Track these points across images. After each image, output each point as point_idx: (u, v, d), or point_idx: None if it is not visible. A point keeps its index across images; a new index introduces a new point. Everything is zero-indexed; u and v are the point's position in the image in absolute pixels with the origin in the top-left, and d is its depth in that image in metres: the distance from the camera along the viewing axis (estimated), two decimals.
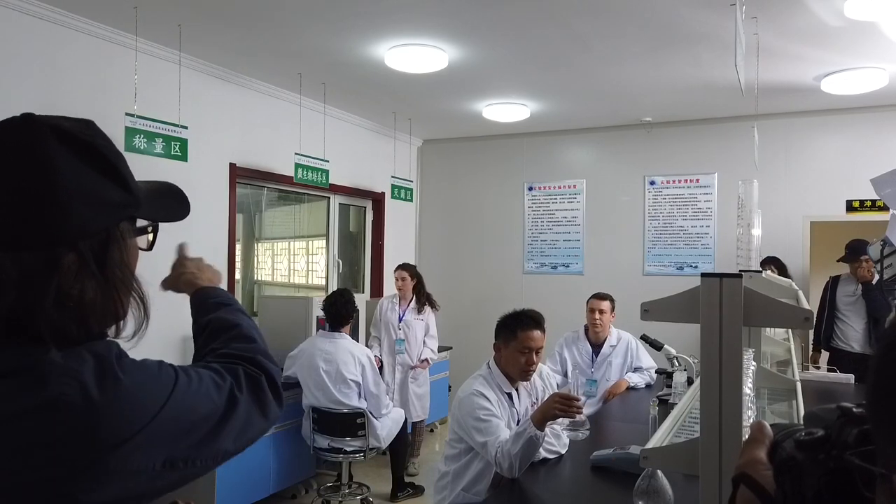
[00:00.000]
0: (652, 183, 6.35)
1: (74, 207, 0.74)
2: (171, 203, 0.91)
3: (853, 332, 5.16)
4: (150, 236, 0.87)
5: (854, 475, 0.48)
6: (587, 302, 4.38)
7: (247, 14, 3.74)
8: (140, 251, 0.86)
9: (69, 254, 0.74)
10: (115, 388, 0.72)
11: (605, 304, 4.29)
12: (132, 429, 0.71)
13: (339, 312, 4.28)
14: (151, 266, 0.90)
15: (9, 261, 0.71)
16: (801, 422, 0.62)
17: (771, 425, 0.64)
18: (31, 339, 0.72)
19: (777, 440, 0.60)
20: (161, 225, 0.89)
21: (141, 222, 0.86)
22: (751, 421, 1.37)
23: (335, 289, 6.01)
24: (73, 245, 0.74)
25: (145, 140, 3.72)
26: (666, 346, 3.62)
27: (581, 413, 2.44)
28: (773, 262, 5.22)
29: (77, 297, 0.74)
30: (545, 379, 3.12)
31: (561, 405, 2.41)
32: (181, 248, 1.13)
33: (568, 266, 6.70)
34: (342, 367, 4.12)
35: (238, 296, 5.10)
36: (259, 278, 5.76)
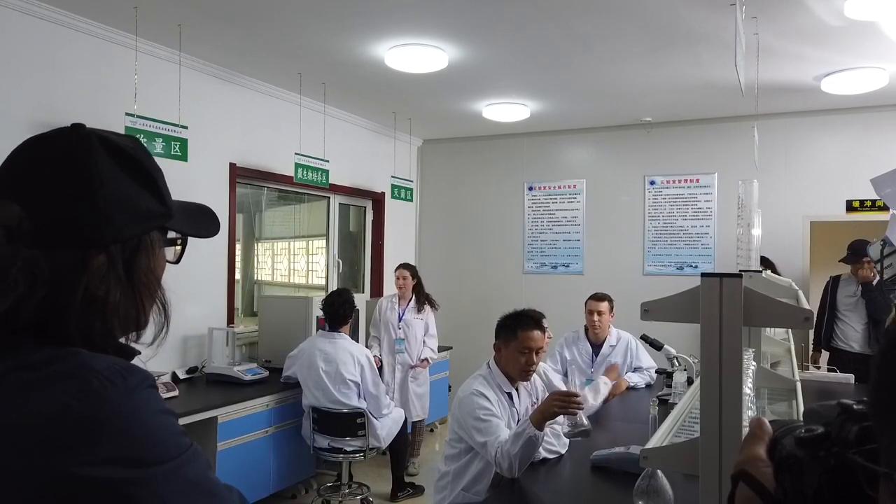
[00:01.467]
0: (652, 183, 6.35)
1: (112, 213, 0.78)
2: (202, 220, 0.94)
3: (853, 333, 5.16)
4: (179, 248, 0.90)
5: (855, 473, 0.48)
6: (585, 303, 4.38)
7: (247, 14, 3.74)
8: (168, 263, 0.89)
9: (100, 255, 0.77)
10: (138, 411, 0.71)
11: (604, 305, 4.29)
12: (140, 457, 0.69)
13: (337, 312, 4.28)
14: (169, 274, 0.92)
15: (42, 258, 0.74)
16: (801, 419, 0.61)
17: (770, 422, 0.64)
18: (57, 340, 0.74)
19: (777, 437, 0.60)
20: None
21: (171, 235, 0.90)
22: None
23: (335, 288, 6.02)
24: (104, 248, 0.78)
25: (145, 140, 3.72)
26: (666, 346, 3.62)
27: (581, 408, 2.45)
28: (762, 262, 5.22)
29: (102, 299, 0.77)
30: (545, 375, 3.13)
31: (560, 402, 2.41)
32: None
33: (568, 266, 6.70)
34: (341, 367, 4.12)
35: (238, 296, 5.10)
36: (259, 278, 5.76)
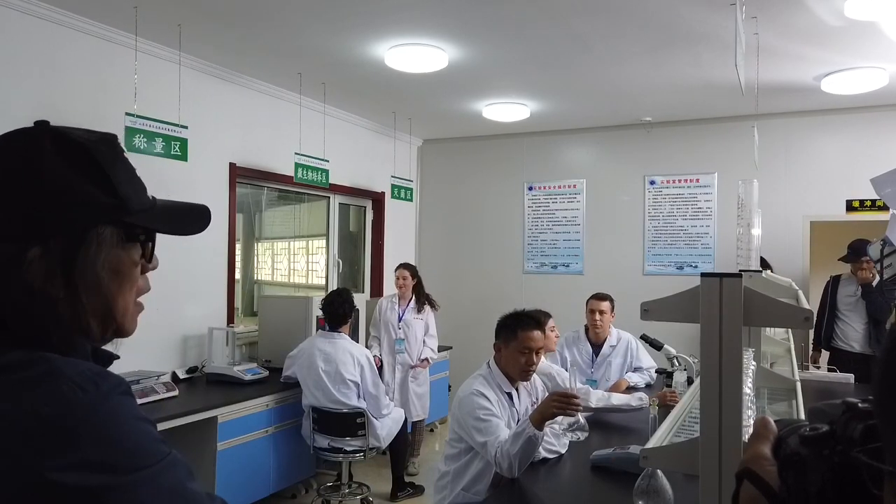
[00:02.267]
0: (652, 183, 6.35)
1: (46, 204, 0.75)
2: (184, 218, 0.90)
3: (853, 333, 5.16)
4: (148, 247, 0.84)
5: (859, 471, 0.48)
6: (587, 302, 4.38)
7: (247, 14, 3.74)
8: (147, 266, 0.85)
9: (34, 248, 0.75)
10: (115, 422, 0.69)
11: (605, 305, 4.29)
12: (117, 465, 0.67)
13: (337, 312, 4.28)
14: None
15: None
16: (806, 418, 0.61)
17: (775, 421, 0.64)
18: (21, 341, 0.72)
19: (782, 436, 0.59)
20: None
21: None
22: (751, 421, 1.37)
23: (335, 288, 6.02)
24: (40, 241, 0.75)
25: (145, 140, 3.72)
26: (666, 346, 3.62)
27: (579, 409, 2.45)
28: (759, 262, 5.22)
29: (42, 293, 0.75)
30: (557, 377, 3.12)
31: (559, 403, 2.41)
32: None
33: (568, 266, 6.70)
34: (341, 367, 4.12)
35: (238, 296, 5.10)
36: (259, 278, 5.76)
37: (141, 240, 0.83)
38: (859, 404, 0.51)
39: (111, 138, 0.84)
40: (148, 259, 0.85)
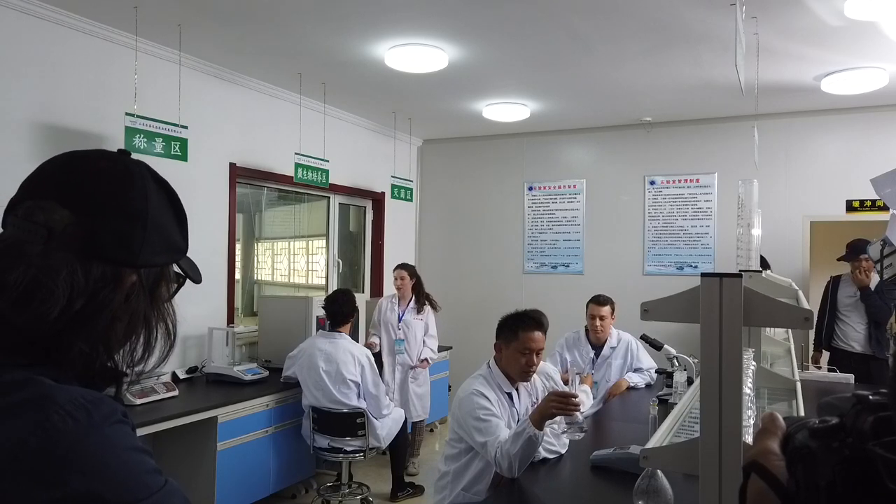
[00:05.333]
0: (652, 183, 6.35)
1: (152, 237, 0.80)
2: (195, 267, 0.96)
3: (854, 333, 5.16)
4: (176, 286, 0.91)
5: (869, 464, 0.47)
6: (587, 306, 4.37)
7: (247, 14, 3.74)
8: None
9: (132, 275, 0.79)
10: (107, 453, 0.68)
11: (605, 310, 4.28)
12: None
13: (339, 311, 4.28)
14: None
15: (80, 268, 0.74)
16: (816, 412, 0.61)
17: (784, 418, 0.63)
18: (35, 358, 0.72)
19: (790, 432, 0.59)
20: None
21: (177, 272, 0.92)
22: (751, 421, 1.37)
23: (335, 288, 6.02)
24: (137, 269, 0.80)
25: (145, 140, 3.72)
26: (666, 346, 3.62)
27: (578, 408, 2.45)
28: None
29: (124, 318, 0.79)
30: (550, 377, 3.12)
31: (558, 403, 2.41)
32: None
33: (568, 266, 6.70)
34: (342, 367, 4.12)
35: (238, 295, 5.10)
36: (259, 278, 5.76)
37: (180, 283, 0.90)
38: (870, 397, 0.51)
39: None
40: (171, 297, 0.91)
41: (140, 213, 0.79)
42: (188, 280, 0.92)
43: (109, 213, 0.77)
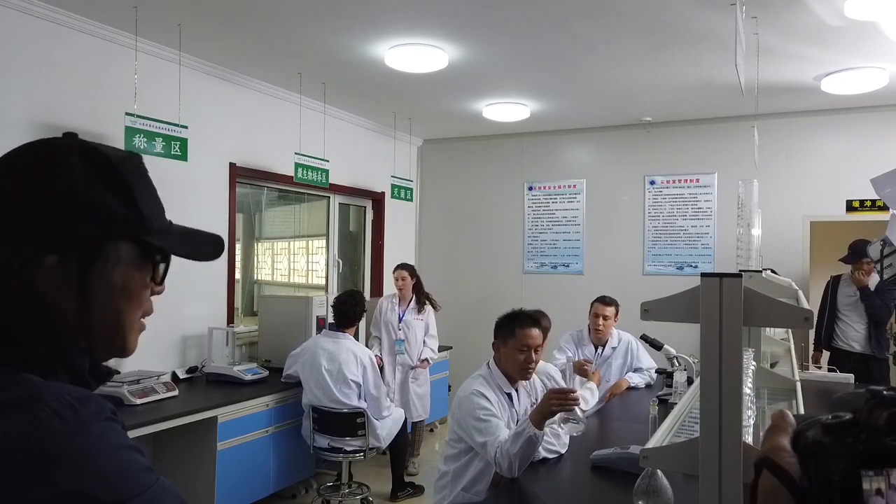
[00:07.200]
0: (652, 183, 6.35)
1: (68, 211, 0.74)
2: (199, 243, 0.88)
3: (854, 333, 5.16)
4: (161, 269, 0.83)
5: (884, 459, 0.47)
6: (592, 304, 4.37)
7: (247, 14, 3.74)
8: (155, 288, 0.84)
9: (51, 255, 0.73)
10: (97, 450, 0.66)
11: (610, 311, 4.29)
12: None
13: (347, 313, 4.30)
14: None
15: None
16: (828, 409, 0.60)
17: (795, 416, 0.63)
18: (12, 358, 0.70)
19: (801, 429, 0.58)
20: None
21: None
22: (751, 421, 1.37)
23: (335, 288, 6.03)
24: (58, 247, 0.73)
25: (145, 140, 3.72)
26: (666, 346, 3.62)
27: (577, 404, 2.45)
28: None
29: (54, 303, 0.73)
30: (551, 377, 3.13)
31: (557, 400, 2.41)
32: None
33: (568, 266, 6.71)
34: (344, 367, 4.12)
35: (238, 295, 5.10)
36: (259, 278, 5.76)
37: (156, 260, 0.82)
38: (885, 391, 0.51)
39: (137, 158, 0.83)
40: (159, 282, 0.84)
41: (44, 187, 0.74)
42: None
43: (9, 192, 0.73)
